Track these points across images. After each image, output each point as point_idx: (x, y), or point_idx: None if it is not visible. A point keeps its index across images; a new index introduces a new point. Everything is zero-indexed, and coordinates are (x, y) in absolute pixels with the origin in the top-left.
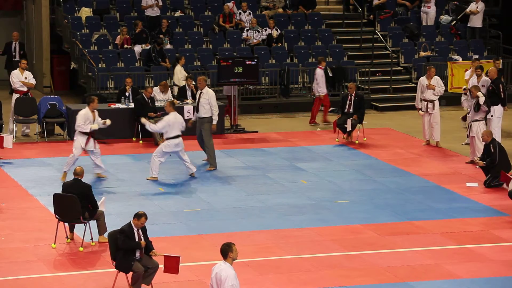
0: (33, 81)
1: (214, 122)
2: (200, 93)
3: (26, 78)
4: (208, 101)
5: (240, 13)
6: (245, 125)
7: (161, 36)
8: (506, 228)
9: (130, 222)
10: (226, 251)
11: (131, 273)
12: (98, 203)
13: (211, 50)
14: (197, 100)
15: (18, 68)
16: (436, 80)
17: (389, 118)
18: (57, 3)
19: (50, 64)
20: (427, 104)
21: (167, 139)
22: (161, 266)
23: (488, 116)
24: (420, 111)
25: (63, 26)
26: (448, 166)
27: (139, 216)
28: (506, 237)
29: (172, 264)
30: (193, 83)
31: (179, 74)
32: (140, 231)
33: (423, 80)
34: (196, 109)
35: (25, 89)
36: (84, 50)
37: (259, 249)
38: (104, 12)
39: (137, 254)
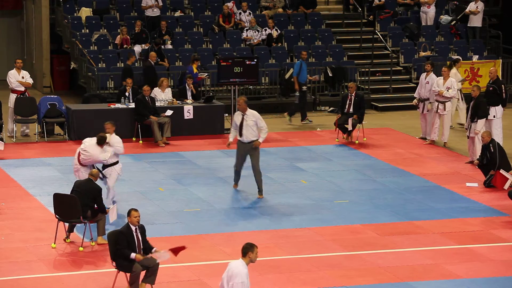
0: (30, 81)
1: (261, 140)
2: (244, 115)
3: (23, 77)
4: (256, 123)
5: (240, 13)
6: None
7: (167, 37)
8: (506, 228)
9: (127, 222)
10: (247, 250)
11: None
12: (108, 209)
13: (211, 50)
14: (239, 123)
15: (14, 68)
16: (451, 82)
17: (389, 118)
18: (57, 3)
19: (50, 64)
20: (438, 105)
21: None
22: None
23: (490, 117)
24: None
25: (63, 26)
26: (448, 166)
27: (128, 213)
28: (506, 237)
29: (177, 250)
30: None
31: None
32: (138, 231)
33: (439, 81)
34: (239, 133)
35: (22, 88)
36: (84, 50)
37: (259, 249)
38: (104, 12)
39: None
